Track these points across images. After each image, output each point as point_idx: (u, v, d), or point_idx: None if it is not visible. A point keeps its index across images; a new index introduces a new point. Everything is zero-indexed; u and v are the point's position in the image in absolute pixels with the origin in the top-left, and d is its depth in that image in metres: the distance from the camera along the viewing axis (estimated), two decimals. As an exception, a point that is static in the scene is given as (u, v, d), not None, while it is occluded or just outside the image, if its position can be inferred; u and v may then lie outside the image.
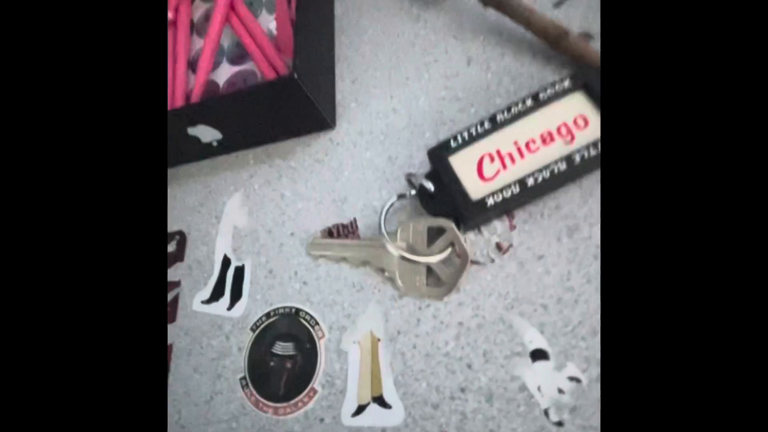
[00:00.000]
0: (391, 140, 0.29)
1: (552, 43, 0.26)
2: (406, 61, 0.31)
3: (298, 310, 0.27)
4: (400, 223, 0.25)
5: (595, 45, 0.26)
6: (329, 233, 0.28)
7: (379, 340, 0.24)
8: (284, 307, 0.27)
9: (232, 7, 0.35)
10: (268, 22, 0.35)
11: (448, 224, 0.23)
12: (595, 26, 0.27)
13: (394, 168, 0.28)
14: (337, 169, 0.30)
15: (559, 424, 0.20)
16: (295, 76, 0.25)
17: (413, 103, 0.29)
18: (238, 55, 0.35)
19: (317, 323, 0.26)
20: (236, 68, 0.34)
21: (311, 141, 0.31)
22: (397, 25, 0.32)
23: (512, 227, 0.24)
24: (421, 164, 0.27)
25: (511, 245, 0.23)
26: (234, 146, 0.33)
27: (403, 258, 0.24)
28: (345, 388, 0.24)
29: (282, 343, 0.26)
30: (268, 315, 0.27)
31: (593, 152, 0.21)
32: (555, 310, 0.22)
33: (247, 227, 0.30)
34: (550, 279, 0.22)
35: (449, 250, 0.23)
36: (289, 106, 0.28)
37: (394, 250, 0.24)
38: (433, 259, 0.23)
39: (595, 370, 0.20)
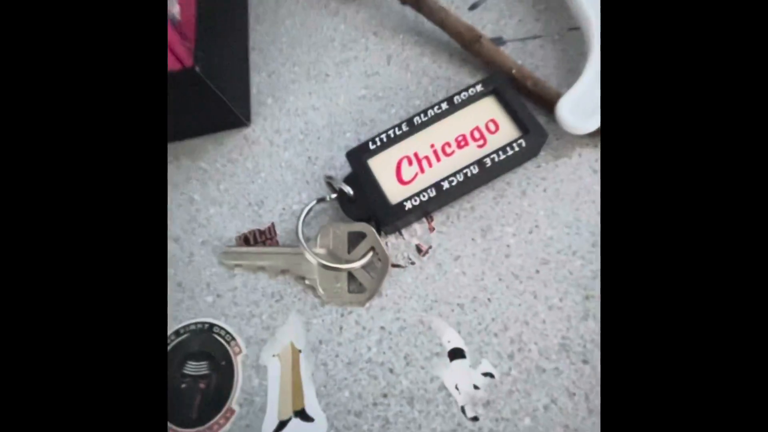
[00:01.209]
0: (310, 140, 0.28)
1: (466, 46, 0.26)
2: (325, 56, 0.30)
3: (211, 326, 0.25)
4: (321, 227, 0.24)
5: (506, 49, 0.27)
6: (245, 240, 0.26)
7: (300, 351, 0.23)
8: (196, 323, 0.25)
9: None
10: (171, 6, 0.31)
11: (369, 229, 0.23)
12: (507, 31, 0.28)
13: (314, 169, 0.27)
14: (252, 171, 0.28)
15: (475, 419, 0.21)
16: (197, 69, 0.23)
17: (333, 101, 0.28)
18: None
19: (233, 338, 0.24)
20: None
21: (223, 139, 0.29)
22: (315, 18, 0.31)
23: (431, 229, 0.24)
24: (342, 166, 0.27)
25: (430, 247, 0.24)
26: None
27: (323, 266, 0.23)
28: (265, 405, 0.23)
29: (194, 363, 0.24)
30: (177, 333, 0.25)
31: (502, 156, 0.22)
32: (470, 308, 0.22)
33: (151, 236, 0.27)
34: (465, 279, 0.23)
35: (370, 255, 0.23)
36: (197, 101, 0.26)
37: (313, 258, 0.23)
38: (354, 266, 0.23)
39: (507, 364, 0.21)
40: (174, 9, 0.31)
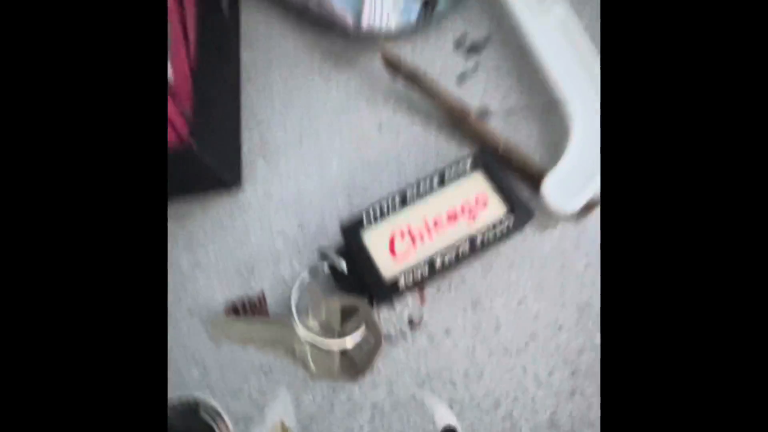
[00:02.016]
0: (302, 205, 0.28)
1: (454, 121, 0.28)
2: (317, 121, 0.30)
3: (197, 402, 0.24)
4: (313, 299, 0.24)
5: (492, 121, 0.29)
6: (234, 310, 0.25)
7: (289, 430, 0.23)
8: (181, 399, 0.24)
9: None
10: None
11: (362, 304, 0.23)
12: (493, 103, 0.29)
13: (305, 236, 0.27)
14: (242, 236, 0.27)
15: (468, 501, 0.21)
16: (194, 148, 0.23)
17: (325, 167, 0.29)
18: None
19: (220, 416, 0.23)
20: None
21: (212, 202, 0.28)
22: (308, 81, 0.32)
23: (423, 301, 0.24)
24: (333, 234, 0.27)
25: (422, 318, 0.24)
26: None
27: (314, 346, 0.23)
28: (252, 489, 0.22)
29: (177, 444, 0.23)
30: (159, 409, 0.24)
31: (491, 234, 0.23)
32: (462, 384, 0.23)
33: (134, 302, 0.26)
34: (457, 353, 0.23)
35: (362, 329, 0.23)
36: (188, 169, 0.26)
37: (305, 334, 0.23)
38: (347, 343, 0.23)
39: (498, 442, 0.21)
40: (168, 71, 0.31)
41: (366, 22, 0.29)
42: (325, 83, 0.31)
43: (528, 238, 0.25)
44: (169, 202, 0.29)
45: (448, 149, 0.28)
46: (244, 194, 0.28)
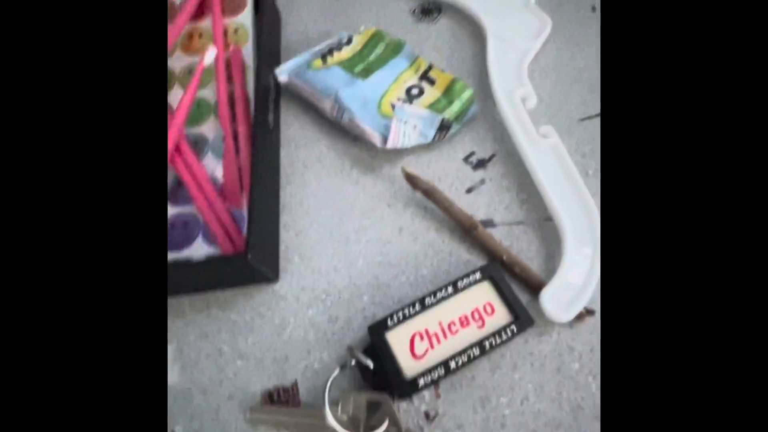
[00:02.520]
0: (332, 299, 0.32)
1: (465, 231, 0.32)
2: (346, 221, 0.35)
3: (233, 486, 0.26)
4: (342, 393, 0.27)
5: (497, 232, 0.33)
6: (269, 397, 0.28)
7: None
8: (218, 483, 0.26)
9: (176, 146, 0.36)
10: (214, 166, 0.36)
11: (386, 399, 0.26)
12: (497, 215, 0.34)
13: (335, 329, 0.31)
14: (279, 326, 0.31)
15: None
16: (249, 257, 0.27)
17: (353, 264, 0.33)
18: (179, 195, 0.35)
19: (254, 501, 0.26)
20: (177, 209, 0.34)
21: (254, 292, 0.32)
22: (339, 184, 0.37)
23: (438, 395, 0.28)
24: (359, 327, 0.31)
25: (437, 413, 0.27)
26: (169, 290, 0.32)
27: (344, 436, 0.26)
28: None
29: None
30: (198, 492, 0.26)
31: (498, 340, 0.27)
32: (473, 478, 0.26)
33: (180, 385, 0.29)
34: (468, 447, 0.26)
35: (386, 424, 0.26)
36: (239, 272, 0.30)
37: (335, 425, 0.26)
38: (372, 436, 0.26)
39: None
40: (216, 171, 0.36)
41: (391, 143, 0.35)
42: (353, 187, 0.37)
43: (529, 340, 0.29)
44: (216, 292, 0.32)
45: (459, 253, 0.33)
46: (281, 287, 0.33)
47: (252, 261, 0.28)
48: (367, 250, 0.34)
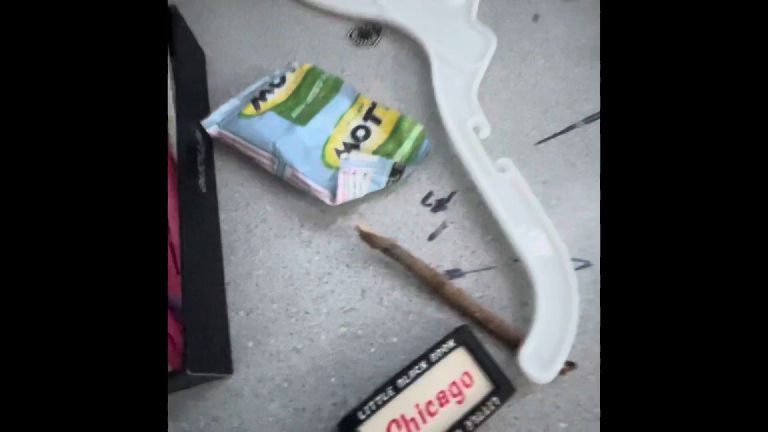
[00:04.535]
0: (295, 388, 0.29)
1: (433, 289, 0.30)
2: (302, 290, 0.32)
3: None
4: (317, 504, 0.24)
5: (465, 281, 0.31)
6: None
7: None
8: None
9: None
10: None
11: (367, 506, 0.24)
12: (464, 263, 0.32)
13: (302, 423, 0.27)
14: (238, 429, 0.28)
15: None
16: (189, 372, 0.23)
17: (315, 342, 0.30)
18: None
19: None
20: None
21: (205, 392, 0.29)
22: (289, 248, 0.33)
23: (424, 484, 0.25)
24: (330, 417, 0.27)
25: (425, 505, 0.25)
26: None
27: None
28: None
29: None
30: None
31: (481, 417, 0.25)
32: None
33: None
34: None
35: None
36: (181, 382, 0.26)
37: None
38: None
39: None
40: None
41: (341, 198, 0.32)
42: (305, 249, 0.33)
43: (513, 404, 0.27)
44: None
45: (428, 312, 0.30)
46: (236, 382, 0.29)
47: (194, 374, 0.24)
48: (329, 322, 0.30)
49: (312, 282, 0.32)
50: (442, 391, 0.26)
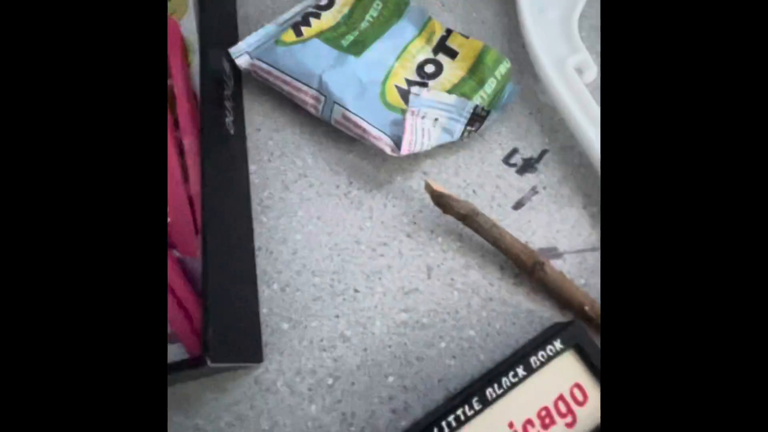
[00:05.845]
0: (342, 386, 0.22)
1: (527, 271, 0.23)
2: (351, 263, 0.25)
3: None
4: None
5: (565, 264, 0.24)
6: None
7: None
8: None
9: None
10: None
11: None
12: (561, 240, 0.25)
13: (351, 433, 0.21)
14: (269, 434, 0.22)
15: None
16: (209, 362, 0.17)
17: (368, 329, 0.23)
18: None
19: None
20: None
21: (228, 384, 0.22)
22: (335, 210, 0.26)
23: None
24: (387, 426, 0.21)
25: None
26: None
27: None
28: None
29: None
30: None
31: (602, 446, 0.18)
32: None
33: None
34: None
35: None
36: (199, 372, 0.20)
37: None
38: None
39: None
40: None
41: (406, 148, 0.24)
42: (355, 212, 0.26)
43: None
44: (175, 387, 0.22)
45: (518, 300, 0.23)
46: (267, 373, 0.22)
47: (215, 363, 0.18)
48: (385, 305, 0.24)
49: (363, 253, 0.25)
50: (545, 408, 0.19)
